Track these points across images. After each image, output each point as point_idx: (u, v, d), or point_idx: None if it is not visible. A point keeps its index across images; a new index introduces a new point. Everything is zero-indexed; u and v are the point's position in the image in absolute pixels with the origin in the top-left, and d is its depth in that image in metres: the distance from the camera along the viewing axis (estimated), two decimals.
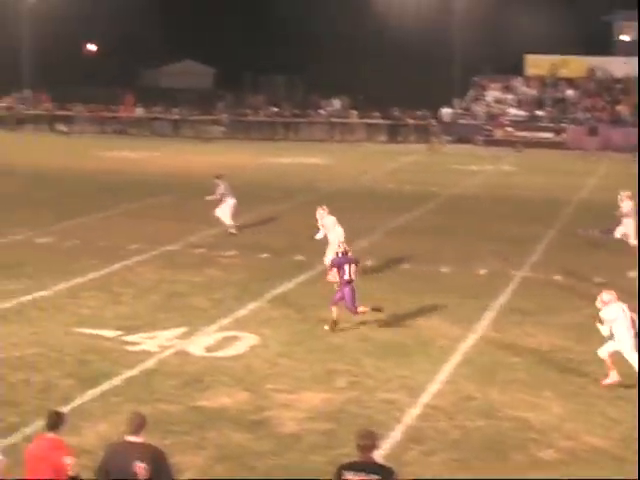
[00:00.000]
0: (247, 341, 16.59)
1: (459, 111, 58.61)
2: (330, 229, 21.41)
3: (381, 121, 57.77)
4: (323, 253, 21.28)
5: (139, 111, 60.84)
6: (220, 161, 44.33)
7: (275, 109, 60.68)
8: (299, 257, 23.33)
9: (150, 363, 15.38)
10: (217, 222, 26.18)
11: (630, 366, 14.50)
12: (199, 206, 27.25)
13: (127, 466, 8.72)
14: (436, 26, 65.54)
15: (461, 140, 55.08)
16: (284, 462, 11.82)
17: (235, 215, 26.42)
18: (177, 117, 59.91)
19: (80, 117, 60.21)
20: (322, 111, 59.93)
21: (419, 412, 13.53)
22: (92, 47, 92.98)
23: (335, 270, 17.78)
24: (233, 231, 26.21)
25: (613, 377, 14.66)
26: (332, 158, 47.28)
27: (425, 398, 14.03)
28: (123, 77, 76.17)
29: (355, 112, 58.62)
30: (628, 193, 24.72)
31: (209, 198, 26.40)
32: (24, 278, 20.66)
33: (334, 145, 54.42)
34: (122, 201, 31.16)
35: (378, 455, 9.71)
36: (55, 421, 9.11)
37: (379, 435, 9.65)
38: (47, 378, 14.53)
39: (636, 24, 59.20)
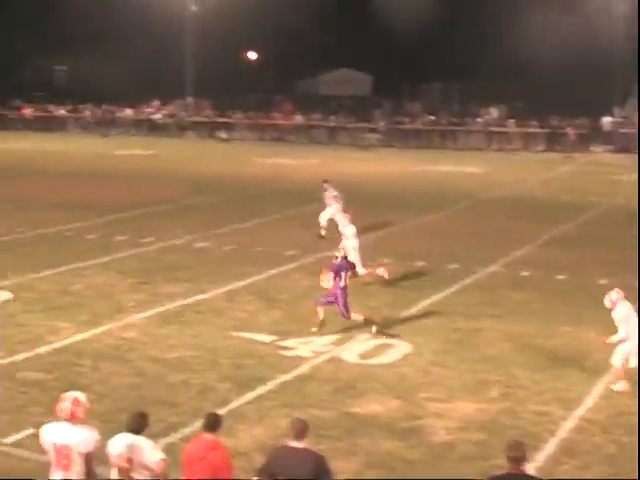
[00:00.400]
0: (400, 349, 16.64)
1: (619, 120, 57.33)
2: (349, 237, 21.31)
3: (539, 130, 57.04)
4: (478, 262, 21.14)
5: (297, 118, 61.63)
6: (376, 169, 44.59)
7: (432, 117, 60.59)
8: (454, 265, 23.23)
9: (304, 368, 15.59)
10: (369, 230, 26.29)
11: None
12: (354, 213, 27.41)
13: (291, 471, 8.92)
14: (596, 33, 64.20)
15: (622, 149, 53.87)
16: (435, 471, 11.81)
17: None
18: (334, 125, 60.44)
19: (240, 124, 61.42)
20: (479, 119, 59.57)
21: (573, 425, 13.32)
22: (252, 55, 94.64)
23: (332, 275, 17.57)
24: (322, 233, 26.39)
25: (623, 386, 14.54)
26: (489, 167, 46.91)
27: (580, 411, 13.81)
28: (282, 85, 77.35)
29: (512, 121, 58.03)
30: None
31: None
32: (183, 281, 21.24)
33: (491, 154, 53.99)
34: (279, 207, 31.66)
35: (530, 468, 9.63)
36: (213, 423, 9.35)
37: (530, 447, 9.56)
38: (205, 380, 14.90)
39: None
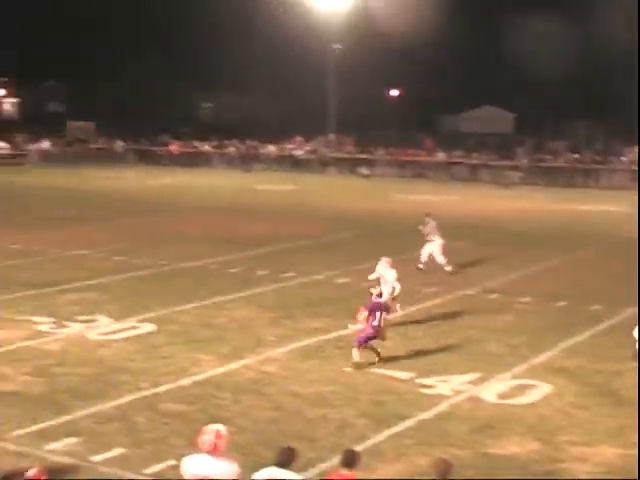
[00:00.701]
0: (540, 390, 16.38)
1: None
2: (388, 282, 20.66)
3: None
4: (620, 303, 20.69)
5: (439, 155, 61.51)
6: (517, 206, 44.12)
7: (575, 155, 59.67)
8: (596, 306, 22.77)
9: (443, 407, 15.49)
10: (511, 267, 26.02)
11: None
12: (496, 250, 27.25)
13: None
14: None
15: None
16: None
17: (444, 254, 26.82)
18: (476, 162, 60.11)
19: (381, 160, 61.63)
20: (624, 158, 58.34)
21: None
22: (394, 92, 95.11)
23: (366, 313, 17.67)
24: (449, 269, 26.63)
25: None
26: (633, 206, 45.85)
27: None
28: (423, 122, 77.44)
29: None
30: None
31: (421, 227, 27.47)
32: (324, 317, 21.39)
33: (635, 193, 52.78)
34: (419, 244, 31.55)
35: None
36: (350, 459, 9.38)
37: None
38: (343, 416, 14.94)
39: None
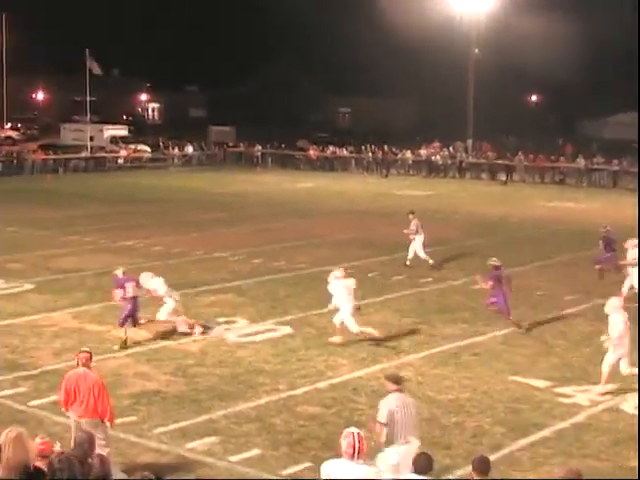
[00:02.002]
0: None
1: None
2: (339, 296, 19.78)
3: None
4: None
5: (580, 162, 60.38)
6: None
7: None
8: None
9: (581, 417, 15.25)
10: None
11: None
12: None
13: None
14: None
15: None
16: None
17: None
18: (617, 168, 58.77)
19: (520, 166, 60.85)
20: None
21: None
22: (534, 97, 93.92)
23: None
24: (431, 262, 27.80)
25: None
26: None
27: None
28: (564, 127, 76.21)
29: None
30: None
31: (406, 232, 28.23)
32: (460, 323, 21.29)
33: None
34: (559, 251, 31.16)
35: None
36: (483, 466, 9.32)
37: None
38: (478, 423, 14.85)
39: None
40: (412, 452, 10.86)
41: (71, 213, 39.60)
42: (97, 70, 66.98)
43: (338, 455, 9.49)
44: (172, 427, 14.52)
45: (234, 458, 13.37)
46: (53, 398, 15.49)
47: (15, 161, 60.42)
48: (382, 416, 11.31)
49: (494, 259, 21.26)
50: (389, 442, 11.23)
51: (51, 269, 27.05)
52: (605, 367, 16.40)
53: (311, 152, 69.07)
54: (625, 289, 23.72)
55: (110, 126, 74.48)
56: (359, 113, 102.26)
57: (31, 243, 31.47)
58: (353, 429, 9.62)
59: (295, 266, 28.05)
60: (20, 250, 29.82)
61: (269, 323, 21.22)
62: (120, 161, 65.91)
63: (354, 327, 19.31)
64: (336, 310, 19.64)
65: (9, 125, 79.22)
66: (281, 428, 14.58)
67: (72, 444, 10.08)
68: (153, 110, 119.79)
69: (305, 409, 15.48)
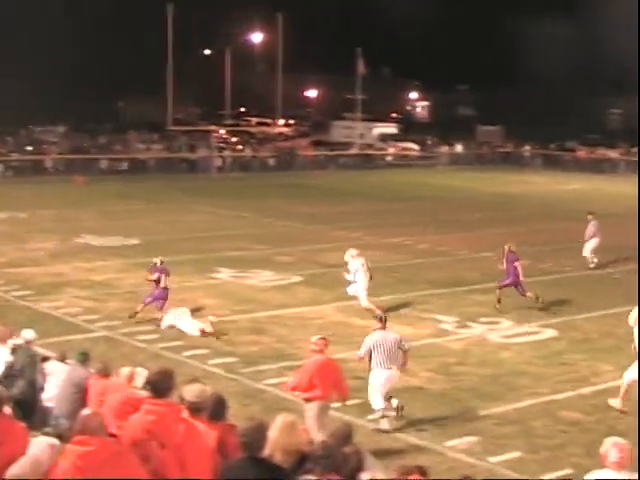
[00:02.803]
0: None
1: None
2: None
3: None
4: None
5: None
6: None
7: None
8: None
9: None
10: None
11: None
12: None
13: None
14: None
15: None
16: None
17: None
18: None
19: None
20: None
21: None
22: None
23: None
24: (592, 265, 28.01)
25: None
26: None
27: None
28: None
29: None
30: None
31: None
32: None
33: None
34: None
35: None
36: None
37: None
38: None
39: None
40: (393, 376, 14.63)
41: (339, 209, 40.62)
42: (362, 69, 68.01)
43: (601, 465, 9.32)
44: (432, 424, 14.70)
45: (494, 459, 13.39)
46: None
47: (287, 157, 62.48)
48: (361, 350, 14.78)
49: None
50: (374, 367, 14.47)
51: (318, 263, 27.90)
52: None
53: (581, 153, 67.62)
54: None
55: (379, 124, 75.71)
56: (631, 114, 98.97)
57: (300, 237, 32.54)
58: (616, 439, 9.41)
59: (562, 269, 27.64)
60: (289, 244, 30.93)
61: (533, 325, 21.07)
62: (388, 158, 66.88)
63: (364, 301, 21.35)
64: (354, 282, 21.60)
65: (282, 122, 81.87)
66: (541, 432, 14.48)
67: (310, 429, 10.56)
68: (422, 109, 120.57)
69: (566, 414, 15.29)
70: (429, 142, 72.10)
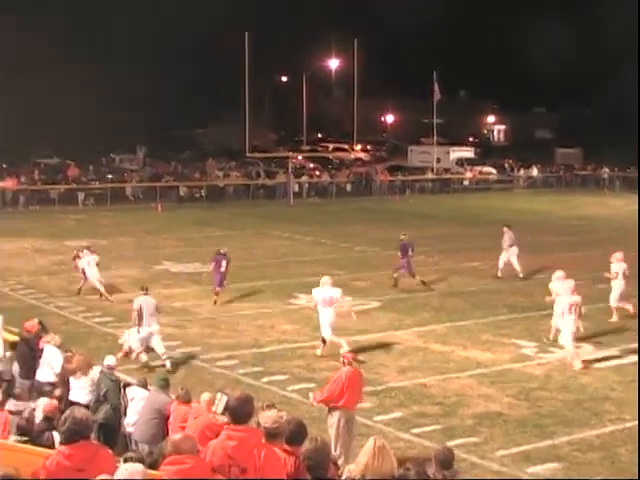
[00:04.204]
0: None
1: None
2: None
3: None
4: None
5: None
6: None
7: None
8: None
9: None
10: None
11: None
12: None
13: None
14: None
15: None
16: None
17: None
18: None
19: None
20: None
21: None
22: None
23: None
24: (521, 276, 29.46)
25: None
26: None
27: None
28: None
29: None
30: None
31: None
32: None
33: None
34: None
35: None
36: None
37: None
38: None
39: None
40: (153, 331, 19.11)
41: (417, 234, 40.40)
42: (438, 96, 67.55)
43: None
44: (514, 450, 14.55)
45: None
46: (398, 414, 16.06)
47: (363, 182, 62.52)
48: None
49: None
50: (139, 324, 19.01)
51: (396, 288, 27.83)
52: None
53: None
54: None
55: (456, 148, 75.42)
56: None
57: (377, 262, 32.48)
58: None
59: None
60: (367, 269, 30.94)
61: (614, 349, 20.75)
62: (465, 182, 66.56)
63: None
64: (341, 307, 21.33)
65: (359, 147, 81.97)
66: (626, 458, 14.23)
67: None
68: (499, 132, 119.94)
69: None
70: (507, 165, 71.63)
